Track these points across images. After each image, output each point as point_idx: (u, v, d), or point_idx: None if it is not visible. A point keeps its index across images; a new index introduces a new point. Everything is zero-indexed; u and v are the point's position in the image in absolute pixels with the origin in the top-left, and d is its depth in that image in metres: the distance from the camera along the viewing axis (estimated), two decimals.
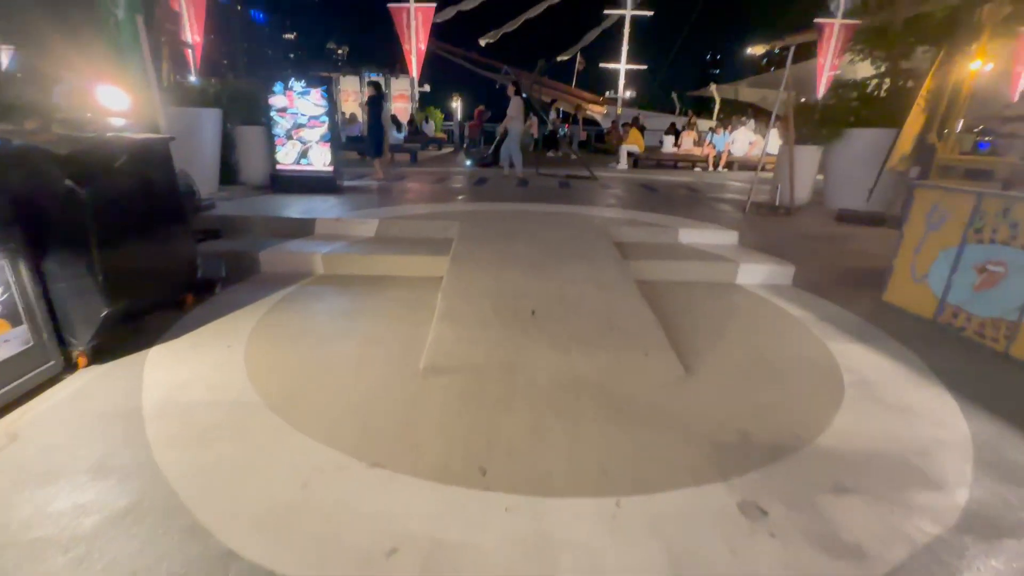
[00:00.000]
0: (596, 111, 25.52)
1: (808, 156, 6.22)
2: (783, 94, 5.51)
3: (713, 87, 29.47)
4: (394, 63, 18.77)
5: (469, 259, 3.86)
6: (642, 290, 3.51)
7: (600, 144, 19.20)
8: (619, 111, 20.35)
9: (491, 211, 5.53)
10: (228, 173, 6.47)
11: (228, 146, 6.28)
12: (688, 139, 12.30)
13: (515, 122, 8.57)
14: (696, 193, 7.85)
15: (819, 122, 6.00)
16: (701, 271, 4.27)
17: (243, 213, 4.95)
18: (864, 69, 6.84)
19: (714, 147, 11.93)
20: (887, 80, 5.76)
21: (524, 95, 10.57)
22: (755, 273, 4.26)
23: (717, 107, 27.18)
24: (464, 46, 26.37)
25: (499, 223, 4.93)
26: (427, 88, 19.22)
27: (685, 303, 3.71)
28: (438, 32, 21.38)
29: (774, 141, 12.45)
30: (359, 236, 4.68)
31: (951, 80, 5.07)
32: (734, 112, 29.52)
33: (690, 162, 12.35)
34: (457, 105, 18.29)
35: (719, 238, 4.87)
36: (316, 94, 6.05)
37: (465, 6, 24.88)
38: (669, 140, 12.43)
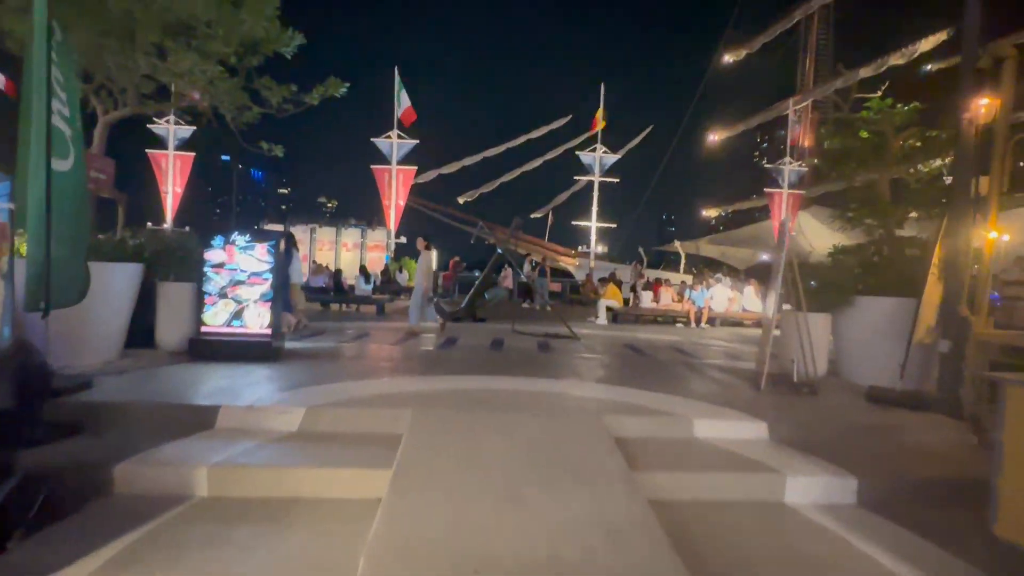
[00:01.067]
0: (568, 263, 26.40)
1: (819, 324, 5.60)
2: (786, 256, 5.04)
3: (677, 243, 31.50)
4: (372, 216, 19.27)
5: (419, 476, 2.69)
6: (660, 516, 2.36)
7: (575, 295, 19.19)
8: (592, 264, 20.89)
9: (457, 390, 4.48)
10: (143, 336, 5.38)
11: (147, 305, 5.30)
12: (667, 294, 12.07)
13: (420, 277, 8.51)
14: (689, 357, 7.07)
15: (820, 289, 5.50)
16: (736, 485, 3.16)
17: (124, 397, 3.75)
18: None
19: (693, 303, 11.65)
20: (884, 247, 5.44)
21: (499, 249, 10.35)
22: (808, 488, 3.17)
23: (683, 261, 28.69)
24: (443, 202, 27.93)
25: (465, 411, 3.84)
26: (403, 239, 19.51)
27: (726, 544, 2.53)
28: (417, 189, 22.63)
29: (751, 298, 12.34)
30: (277, 431, 3.49)
31: (963, 248, 4.70)
32: (695, 265, 31.27)
33: (670, 318, 11.95)
34: (433, 255, 18.37)
35: (745, 430, 3.86)
36: (261, 249, 5.32)
37: (446, 170, 27.08)
38: (647, 295, 12.18)
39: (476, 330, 9.27)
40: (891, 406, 4.71)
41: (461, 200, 26.96)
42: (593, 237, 20.81)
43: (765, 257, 25.70)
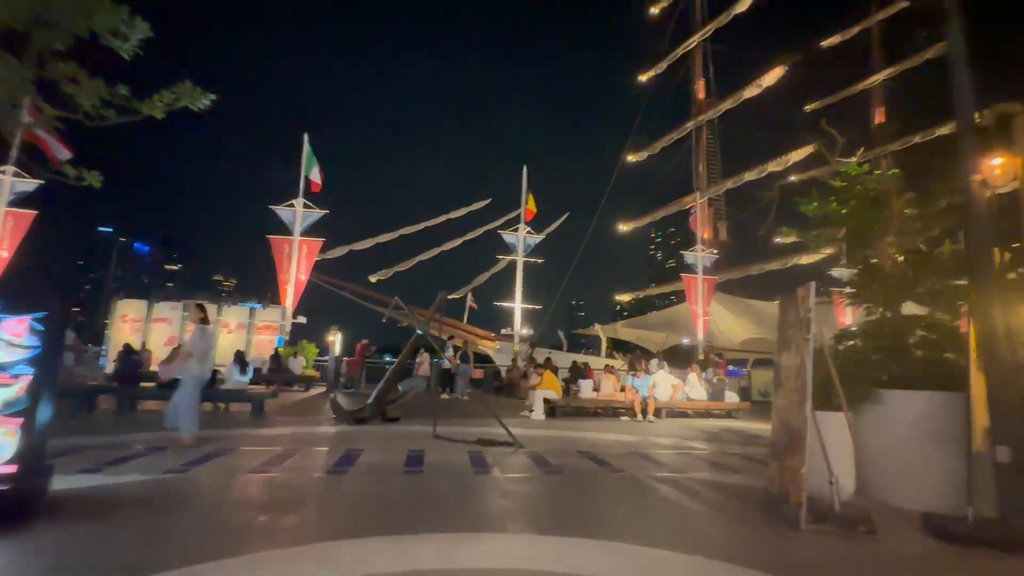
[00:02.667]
0: (488, 346, 24.73)
1: (836, 427, 4.39)
2: (812, 342, 3.84)
3: (598, 327, 31.39)
4: (264, 293, 16.56)
5: None
6: None
7: (497, 381, 17.40)
8: (516, 347, 19.46)
9: None
10: None
11: None
12: (608, 383, 10.76)
13: (193, 363, 5.86)
14: (664, 469, 5.54)
15: (827, 381, 4.36)
16: None
17: None
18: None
19: (637, 392, 10.41)
20: (898, 328, 4.52)
21: (419, 330, 8.53)
22: None
23: (604, 344, 28.34)
24: (353, 280, 25.65)
25: None
26: (303, 320, 16.85)
27: None
28: (323, 267, 20.32)
29: (695, 385, 11.41)
30: None
31: (1003, 330, 3.84)
32: (622, 349, 31.14)
33: (612, 410, 10.56)
34: (336, 339, 15.87)
35: None
36: (14, 326, 3.13)
37: (359, 246, 25.13)
38: (587, 385, 10.78)
39: (386, 437, 7.12)
40: (972, 545, 3.43)
41: (373, 279, 24.91)
42: (518, 319, 19.59)
43: (687, 341, 26.12)
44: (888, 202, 4.67)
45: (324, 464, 5.17)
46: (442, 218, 25.96)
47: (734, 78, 34.98)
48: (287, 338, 16.08)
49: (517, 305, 19.55)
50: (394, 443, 6.54)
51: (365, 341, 16.42)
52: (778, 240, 39.16)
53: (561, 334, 33.16)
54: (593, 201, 40.17)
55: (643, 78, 39.61)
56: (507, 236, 19.93)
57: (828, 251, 28.18)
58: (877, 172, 5.03)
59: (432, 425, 7.27)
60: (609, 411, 10.71)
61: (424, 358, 14.71)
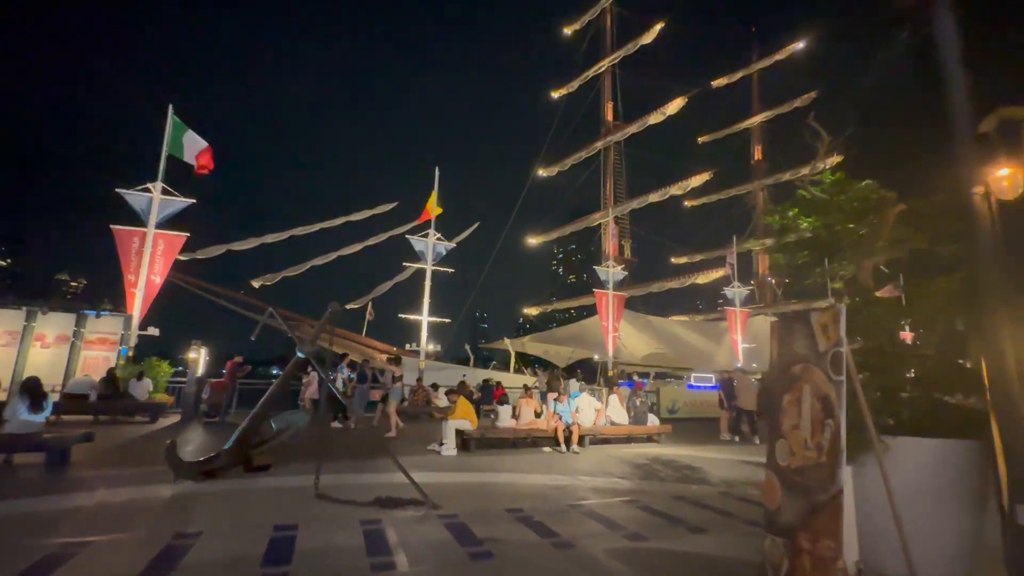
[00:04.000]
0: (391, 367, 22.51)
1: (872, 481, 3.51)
2: (845, 384, 2.91)
3: (507, 341, 30.47)
4: (98, 297, 13.13)
5: None
6: None
7: (400, 404, 15.49)
8: (422, 364, 17.69)
9: None
10: None
11: None
12: (528, 409, 9.59)
13: None
14: (612, 530, 4.41)
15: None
16: None
17: None
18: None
19: (560, 418, 9.38)
20: (901, 361, 3.84)
21: (299, 353, 6.64)
22: None
23: (513, 359, 27.45)
24: (230, 286, 22.10)
25: None
26: (154, 332, 13.64)
27: None
28: (185, 267, 16.97)
29: (616, 408, 10.67)
30: None
31: (1018, 362, 3.26)
32: (537, 365, 30.43)
33: (532, 439, 9.39)
34: (199, 355, 12.99)
35: None
36: None
37: (240, 245, 21.68)
38: (506, 412, 9.51)
39: (245, 502, 5.22)
40: None
41: (256, 283, 21.65)
42: (424, 333, 17.86)
43: (597, 357, 26.09)
44: (878, 214, 4.08)
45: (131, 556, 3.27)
46: (340, 220, 23.38)
47: (640, 104, 36.75)
48: (131, 352, 12.83)
49: (424, 317, 17.84)
50: (255, 512, 4.70)
51: (238, 358, 13.66)
52: (684, 260, 41.47)
53: (468, 348, 31.81)
54: (503, 214, 39.66)
55: (556, 95, 40.24)
56: (416, 242, 18.21)
57: (720, 272, 30.13)
58: (865, 182, 4.42)
59: (314, 476, 5.50)
60: (528, 440, 9.51)
61: (313, 378, 12.48)
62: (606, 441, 10.22)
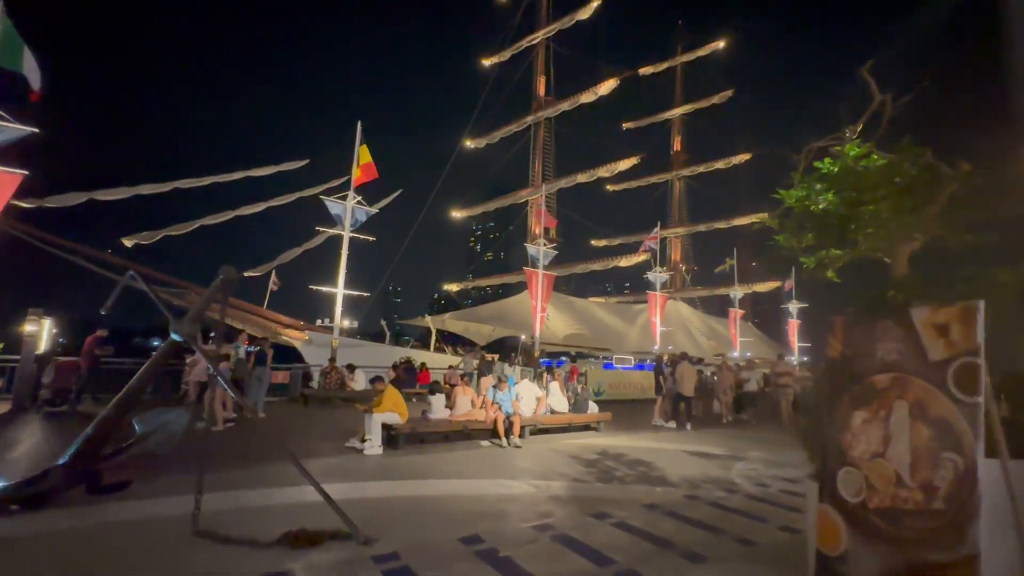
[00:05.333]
0: (296, 336, 20.22)
1: None
2: (982, 406, 2.16)
3: (428, 318, 28.96)
4: None
5: None
6: None
7: (309, 388, 13.71)
8: (335, 343, 15.82)
9: None
10: None
11: None
12: (465, 398, 8.52)
13: None
14: (598, 567, 3.55)
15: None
16: None
17: None
18: None
19: (499, 407, 8.44)
20: None
21: (175, 334, 4.90)
22: None
23: (434, 337, 26.07)
24: (95, 243, 18.28)
25: None
26: None
27: None
28: (21, 213, 13.53)
29: (557, 395, 9.97)
30: None
31: None
32: (448, 342, 29.21)
33: (467, 432, 8.36)
34: (40, 328, 10.26)
35: None
36: None
37: (105, 195, 17.89)
38: (439, 402, 8.34)
39: (78, 546, 3.64)
40: None
41: (129, 242, 18.15)
42: (339, 308, 15.95)
43: (524, 338, 25.51)
44: (931, 188, 3.48)
45: None
46: (239, 175, 20.23)
47: (572, 82, 36.18)
48: None
49: (340, 290, 15.91)
50: (96, 573, 3.19)
51: (101, 333, 11.02)
52: (604, 243, 42.11)
53: (384, 324, 29.90)
54: (426, 184, 37.48)
55: (487, 63, 38.41)
56: (332, 205, 16.07)
57: (643, 257, 30.83)
58: (873, 156, 3.80)
59: (194, 500, 4.01)
60: (463, 432, 8.47)
61: (196, 361, 10.35)
62: (545, 431, 9.49)
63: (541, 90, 36.30)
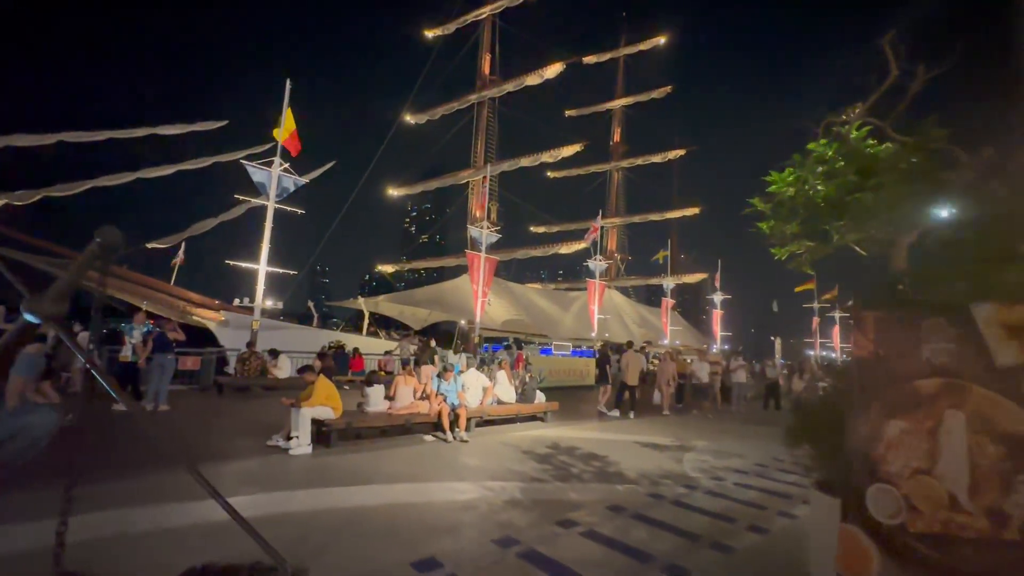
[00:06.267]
0: (209, 317, 18.20)
1: None
2: None
3: (361, 300, 27.41)
4: None
5: None
6: None
7: (224, 376, 12.28)
8: (255, 325, 14.28)
9: None
10: None
11: None
12: (407, 388, 7.78)
13: None
14: None
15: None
16: None
17: None
18: None
19: (444, 398, 7.80)
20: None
21: (27, 314, 3.85)
22: None
23: (366, 320, 24.65)
24: None
25: None
26: None
27: None
28: None
29: (505, 385, 9.49)
30: None
31: None
32: (382, 326, 27.82)
33: (408, 427, 7.65)
34: None
35: None
36: None
37: None
38: (377, 393, 7.54)
39: None
40: None
41: None
42: (261, 284, 14.38)
43: (463, 322, 24.73)
44: (937, 173, 3.26)
45: None
46: (142, 131, 17.70)
47: (518, 64, 35.40)
48: None
49: (262, 266, 14.35)
50: None
51: None
52: (543, 230, 42.00)
53: (312, 306, 27.99)
54: (361, 158, 35.28)
55: (430, 34, 36.57)
56: (255, 171, 14.37)
57: (582, 244, 30.98)
58: (872, 141, 3.57)
59: (56, 528, 3.05)
60: (404, 426, 7.74)
61: (86, 336, 8.77)
62: (490, 423, 8.98)
63: (486, 68, 35.21)
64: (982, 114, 3.21)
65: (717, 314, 37.15)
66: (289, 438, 6.31)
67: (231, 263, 14.79)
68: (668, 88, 43.72)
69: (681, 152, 43.12)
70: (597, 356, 13.27)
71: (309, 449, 6.20)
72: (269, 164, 14.42)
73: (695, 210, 41.14)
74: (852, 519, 2.37)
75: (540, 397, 9.94)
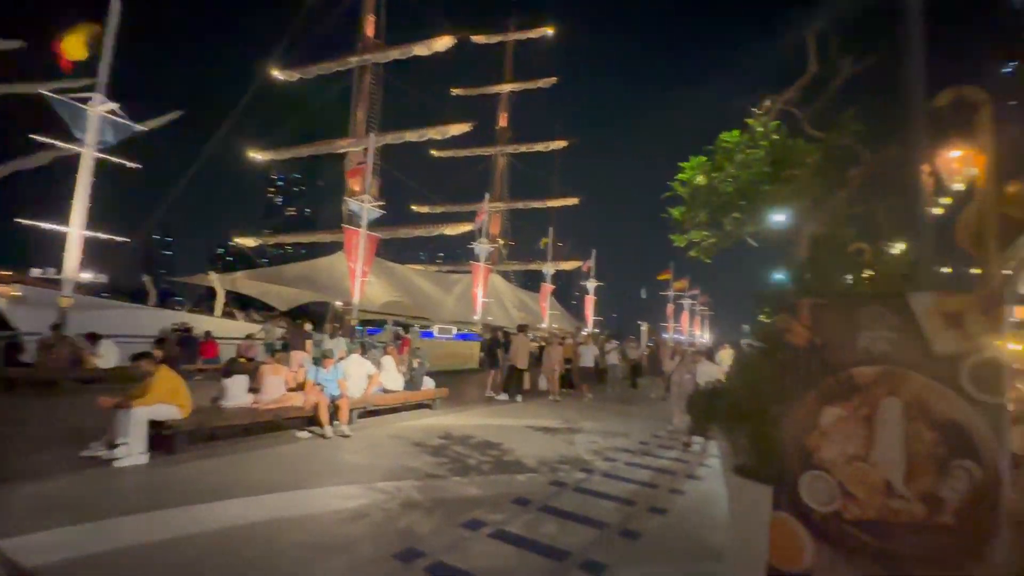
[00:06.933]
0: (3, 292, 14.23)
1: None
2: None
3: (213, 275, 23.79)
4: None
5: None
6: None
7: (18, 367, 9.66)
8: (64, 302, 11.36)
9: None
10: None
11: None
12: (277, 379, 6.70)
13: None
14: None
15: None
16: None
17: None
18: None
19: (322, 389, 6.90)
20: None
21: None
22: None
23: (221, 299, 21.46)
24: None
25: None
26: None
27: None
28: None
29: (392, 372, 8.80)
30: None
31: None
32: (238, 305, 24.50)
33: (278, 423, 6.63)
34: None
35: None
36: None
37: None
38: (239, 384, 6.36)
39: None
40: None
41: None
42: (75, 251, 11.46)
43: (338, 304, 22.67)
44: (843, 168, 3.44)
45: None
46: None
47: (405, 32, 33.35)
48: None
49: (76, 229, 11.44)
50: None
51: None
52: (425, 209, 40.68)
53: (147, 280, 23.61)
54: (216, 112, 30.46)
55: None
56: (61, 104, 11.28)
57: (468, 226, 30.63)
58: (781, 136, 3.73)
59: None
60: (274, 421, 6.69)
61: None
62: (374, 413, 8.24)
63: (370, 31, 32.63)
64: (895, 113, 3.48)
65: (590, 299, 39.56)
66: (114, 445, 4.98)
67: (24, 222, 11.59)
68: (554, 79, 44.89)
69: (563, 143, 44.76)
70: (486, 340, 13.08)
71: (144, 459, 4.95)
72: (85, 101, 11.46)
73: (574, 200, 43.23)
74: (785, 507, 2.35)
75: (429, 383, 9.41)
